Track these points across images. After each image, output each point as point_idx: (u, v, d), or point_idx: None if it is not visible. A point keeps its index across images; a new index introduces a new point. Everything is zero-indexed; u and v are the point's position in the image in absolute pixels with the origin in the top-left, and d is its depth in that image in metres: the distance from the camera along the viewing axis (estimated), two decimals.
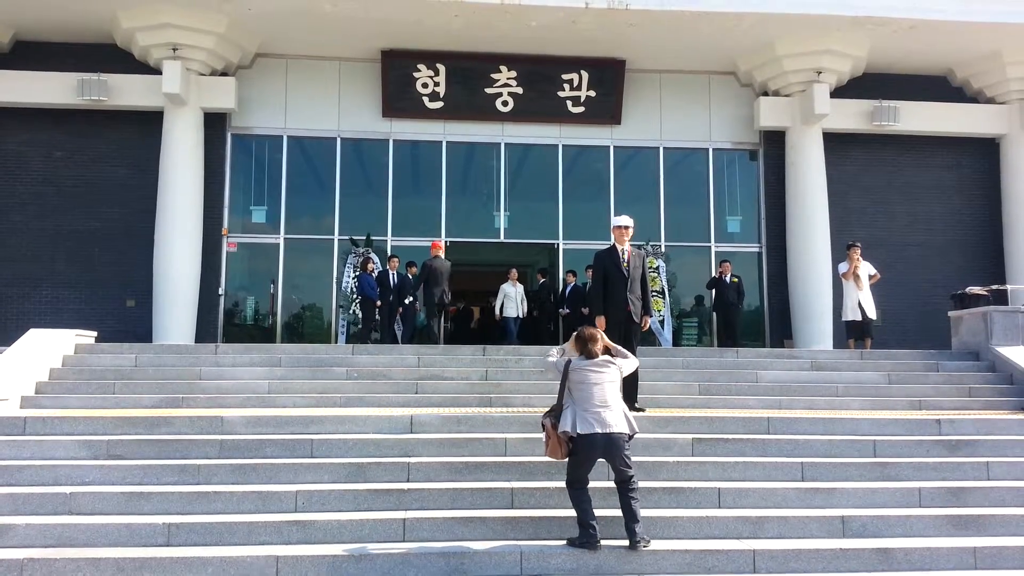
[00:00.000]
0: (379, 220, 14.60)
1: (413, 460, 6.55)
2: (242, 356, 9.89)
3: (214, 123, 14.20)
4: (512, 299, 13.96)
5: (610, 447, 5.43)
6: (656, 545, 5.69)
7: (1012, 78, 14.40)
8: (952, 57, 14.55)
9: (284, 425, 7.22)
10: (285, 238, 14.48)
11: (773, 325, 14.64)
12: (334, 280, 14.31)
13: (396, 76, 14.44)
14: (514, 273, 14.21)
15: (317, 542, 5.63)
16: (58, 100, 13.61)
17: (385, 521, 5.76)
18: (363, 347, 10.79)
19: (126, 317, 13.67)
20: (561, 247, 14.90)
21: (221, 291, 14.11)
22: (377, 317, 12.89)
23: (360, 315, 13.40)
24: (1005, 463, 7.01)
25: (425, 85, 14.48)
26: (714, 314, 14.21)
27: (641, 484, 6.35)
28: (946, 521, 6.16)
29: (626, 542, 5.70)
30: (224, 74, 14.12)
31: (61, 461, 6.55)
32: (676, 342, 14.30)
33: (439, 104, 14.60)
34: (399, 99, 14.57)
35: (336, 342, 13.74)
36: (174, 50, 13.16)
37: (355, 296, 13.62)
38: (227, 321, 14.25)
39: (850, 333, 11.97)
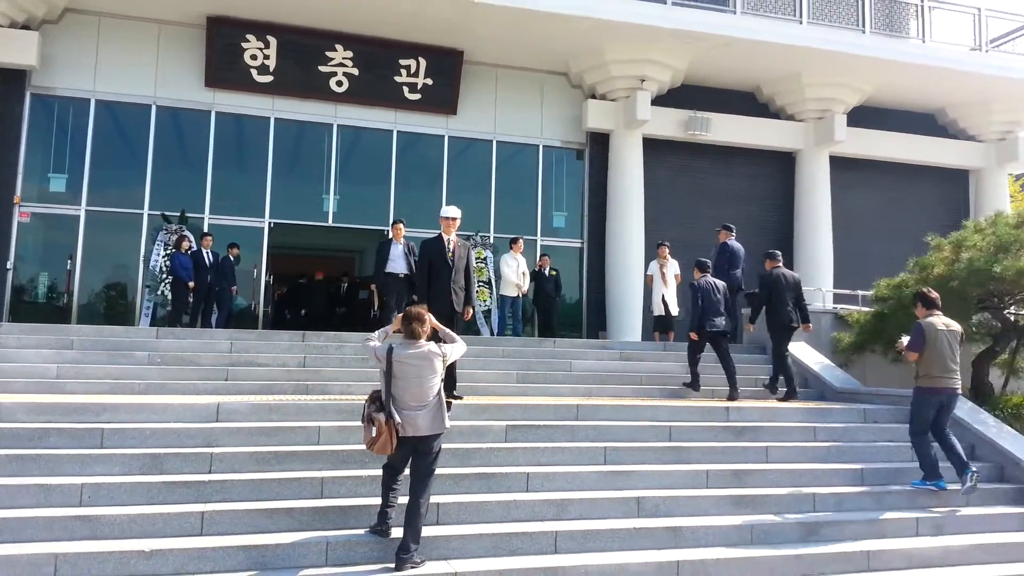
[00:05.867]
0: (196, 196, 13.75)
1: (217, 450, 6.26)
2: (28, 337, 9.03)
3: (11, 80, 12.80)
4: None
5: (417, 449, 5.41)
6: (464, 530, 5.82)
7: (809, 98, 15.87)
8: (760, 75, 15.84)
9: (72, 413, 6.65)
10: (87, 210, 13.28)
11: (590, 317, 15.33)
12: (141, 258, 13.34)
13: (222, 45, 13.67)
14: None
15: (105, 538, 5.26)
16: None
17: (182, 515, 5.47)
18: (169, 330, 10.16)
19: None
20: (391, 234, 14.70)
21: (9, 265, 12.74)
22: (189, 299, 12.18)
23: (170, 297, 12.59)
24: (782, 447, 7.77)
25: (254, 57, 13.81)
26: (535, 306, 14.64)
27: (454, 471, 6.49)
28: (729, 501, 6.74)
29: (436, 527, 5.78)
30: (26, 27, 12.75)
31: None
32: (500, 332, 14.61)
33: (268, 78, 13.99)
34: (224, 69, 13.80)
35: (140, 324, 12.83)
36: None
37: (165, 276, 12.78)
38: (15, 298, 12.88)
39: (656, 326, 12.80)
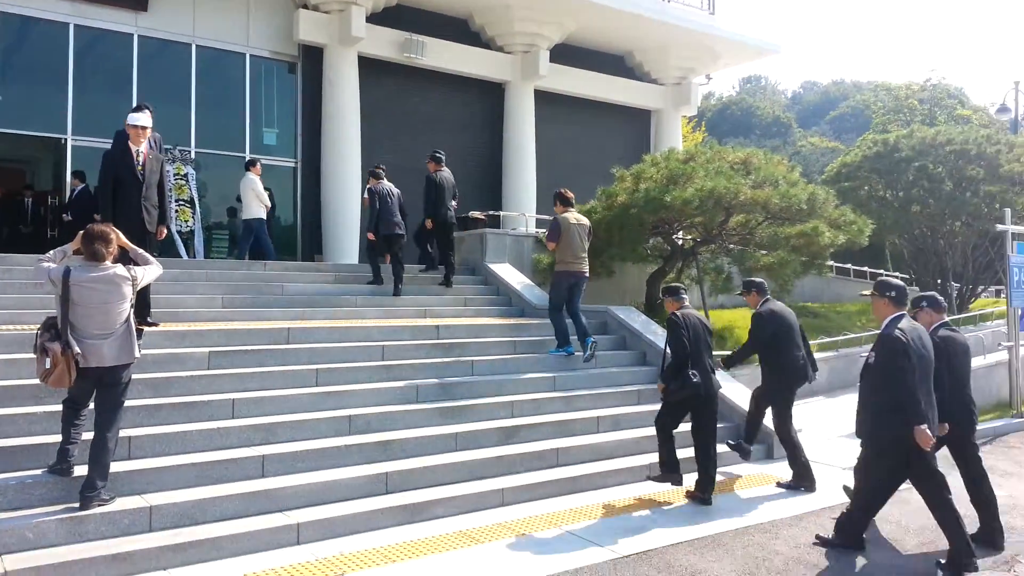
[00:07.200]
0: None
1: None
2: None
3: None
4: None
5: (102, 381, 4.96)
6: (161, 462, 5.50)
7: (517, 32, 16.50)
8: (472, 3, 16.09)
9: None
10: None
11: (305, 240, 14.90)
12: None
13: None
14: None
15: None
16: None
17: None
18: None
19: None
20: (70, 143, 12.93)
21: None
22: None
23: None
24: (486, 360, 8.32)
25: None
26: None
27: (149, 401, 6.10)
28: (437, 413, 7.10)
29: (128, 462, 5.41)
30: None
31: None
32: (206, 254, 13.67)
33: None
34: None
35: None
36: None
37: None
38: None
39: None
